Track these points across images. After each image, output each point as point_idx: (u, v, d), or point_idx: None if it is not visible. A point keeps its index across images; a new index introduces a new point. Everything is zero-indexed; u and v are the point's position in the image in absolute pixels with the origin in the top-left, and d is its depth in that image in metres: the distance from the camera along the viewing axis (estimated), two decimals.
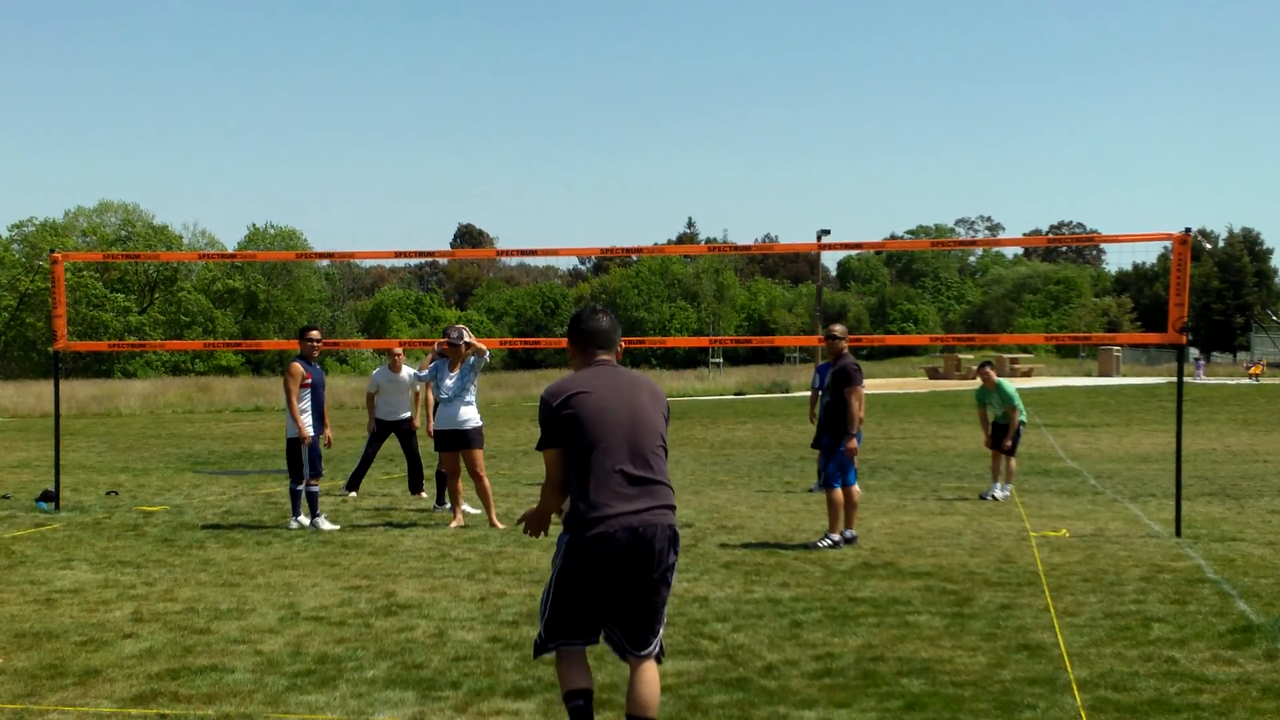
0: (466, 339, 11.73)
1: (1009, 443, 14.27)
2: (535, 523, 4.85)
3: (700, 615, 7.65)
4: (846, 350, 10.89)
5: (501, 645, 6.82)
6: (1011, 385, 14.61)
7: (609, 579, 4.57)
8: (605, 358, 4.84)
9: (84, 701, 5.74)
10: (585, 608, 4.64)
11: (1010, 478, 14.34)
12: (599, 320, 4.87)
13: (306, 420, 11.58)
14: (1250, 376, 62.06)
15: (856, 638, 7.03)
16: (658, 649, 4.73)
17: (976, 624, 7.39)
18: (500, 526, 11.42)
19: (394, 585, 8.64)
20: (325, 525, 11.52)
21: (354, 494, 14.36)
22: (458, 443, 11.67)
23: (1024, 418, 14.55)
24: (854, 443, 10.61)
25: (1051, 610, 7.78)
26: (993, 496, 14.12)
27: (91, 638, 6.98)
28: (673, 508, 4.70)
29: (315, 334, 11.83)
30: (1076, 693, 5.89)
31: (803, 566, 9.48)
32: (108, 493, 14.73)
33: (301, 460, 11.58)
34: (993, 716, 5.53)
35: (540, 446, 4.69)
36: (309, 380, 11.64)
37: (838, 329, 10.95)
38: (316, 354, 11.81)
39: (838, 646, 6.81)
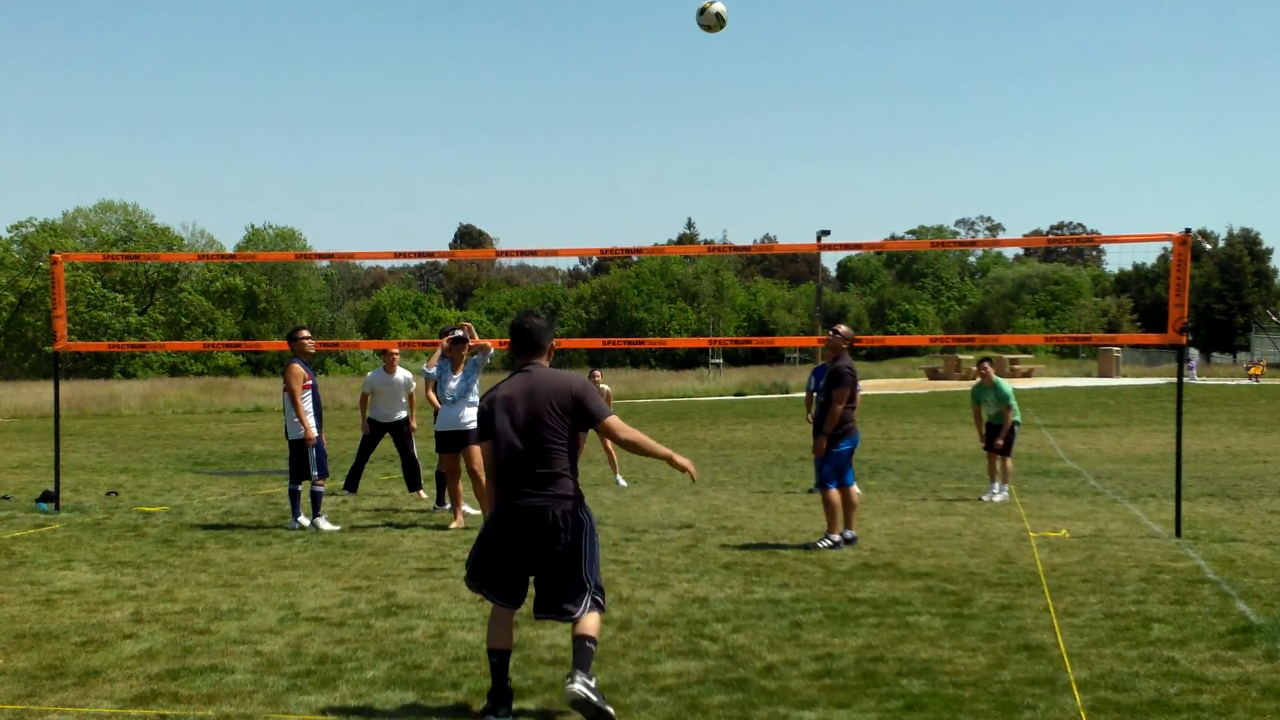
0: (474, 339, 11.76)
1: (1001, 442, 14.26)
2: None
3: (700, 615, 7.65)
4: (845, 351, 10.82)
5: None
6: (1009, 385, 14.61)
7: (516, 548, 5.50)
8: (536, 361, 5.67)
9: (84, 702, 5.74)
10: (500, 568, 5.54)
11: (1008, 479, 14.32)
12: (525, 326, 5.69)
13: (311, 421, 11.60)
14: (1250, 377, 62.06)
15: (856, 638, 7.03)
16: (591, 604, 5.53)
17: (976, 624, 7.40)
18: None
19: (394, 586, 8.64)
20: (326, 526, 11.51)
21: (351, 494, 14.36)
22: (459, 443, 11.67)
23: (1019, 419, 14.53)
24: (823, 442, 10.52)
25: (1051, 611, 7.79)
26: (990, 498, 14.11)
27: (91, 638, 6.98)
28: (567, 495, 5.50)
29: (306, 333, 11.86)
30: (1076, 693, 5.89)
31: (803, 567, 9.49)
32: (108, 493, 14.73)
33: (308, 461, 11.58)
34: (993, 717, 5.54)
35: (477, 439, 5.87)
36: (309, 381, 11.65)
37: (841, 329, 10.89)
38: (311, 354, 11.82)
39: (838, 647, 6.82)
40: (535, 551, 5.49)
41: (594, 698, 5.25)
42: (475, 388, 11.70)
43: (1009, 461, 14.36)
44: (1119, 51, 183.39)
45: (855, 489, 10.75)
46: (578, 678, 5.29)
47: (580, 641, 5.44)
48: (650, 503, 13.90)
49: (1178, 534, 11.10)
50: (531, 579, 5.60)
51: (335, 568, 9.41)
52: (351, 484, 14.39)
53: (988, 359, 14.80)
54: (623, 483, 15.94)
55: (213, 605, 7.93)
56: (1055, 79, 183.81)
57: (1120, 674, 6.24)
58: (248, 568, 9.39)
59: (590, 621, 5.49)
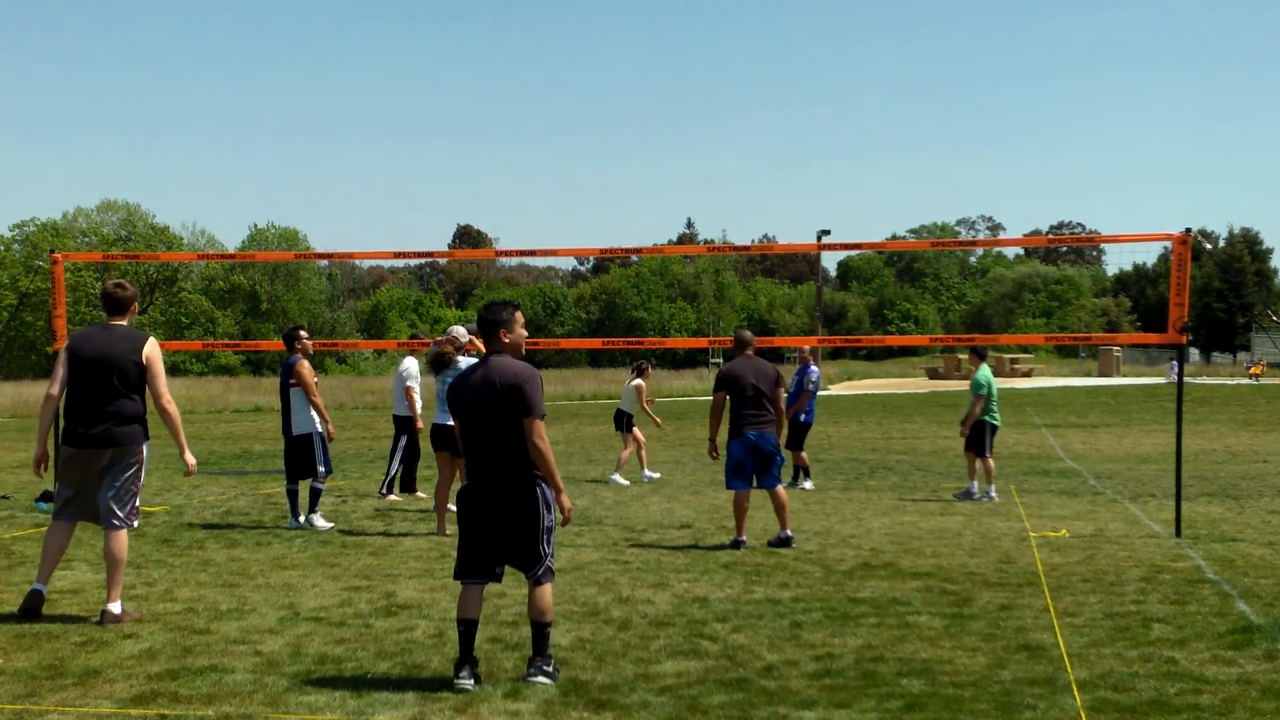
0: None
1: (964, 430, 14.31)
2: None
3: (700, 615, 7.65)
4: (744, 353, 10.74)
5: (501, 645, 6.83)
6: (986, 378, 14.37)
7: (481, 525, 6.03)
8: (498, 347, 6.15)
9: (84, 701, 5.73)
10: (475, 548, 6.07)
11: (989, 478, 14.26)
12: (487, 314, 6.17)
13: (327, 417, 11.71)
14: (1250, 376, 62.07)
15: (856, 638, 7.03)
16: (541, 573, 6.08)
17: (976, 624, 7.40)
18: None
19: (394, 585, 8.64)
20: (320, 524, 11.48)
21: (405, 495, 14.22)
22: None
23: (991, 419, 14.31)
24: (712, 450, 10.77)
25: (1051, 610, 7.79)
26: (989, 497, 14.10)
27: (91, 638, 6.97)
28: (520, 474, 5.98)
29: (305, 333, 11.96)
30: (1076, 693, 5.89)
31: (803, 567, 9.49)
32: None
33: (313, 458, 11.56)
34: (993, 716, 5.53)
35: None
36: (315, 378, 11.69)
37: (745, 334, 10.94)
38: (310, 354, 11.85)
39: (838, 647, 6.82)
40: (496, 526, 6.02)
41: (552, 684, 5.96)
42: None
43: (987, 461, 14.25)
44: (1119, 51, 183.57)
45: (779, 491, 10.54)
46: (535, 664, 6.05)
47: (535, 627, 6.10)
48: (650, 503, 13.90)
49: (1178, 534, 11.10)
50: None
51: (335, 568, 9.41)
52: (408, 485, 14.26)
53: (974, 349, 14.70)
54: (652, 475, 16.61)
55: (213, 605, 7.93)
56: (1055, 79, 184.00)
57: (1120, 674, 6.24)
58: (248, 568, 9.39)
59: (542, 601, 6.07)
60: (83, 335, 7.51)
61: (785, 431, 10.75)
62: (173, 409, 7.46)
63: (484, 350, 6.27)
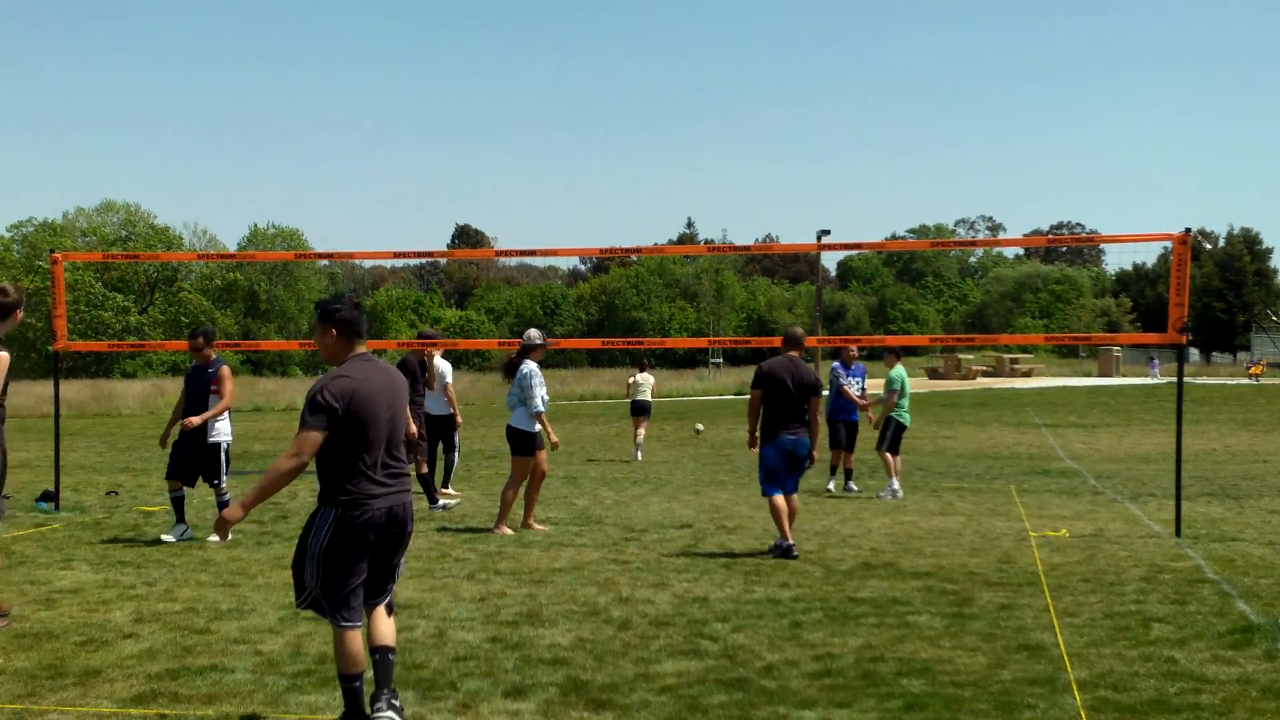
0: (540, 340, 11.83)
1: (875, 423, 14.86)
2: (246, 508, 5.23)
3: (700, 615, 7.65)
4: (789, 353, 10.27)
5: (501, 645, 6.83)
6: (899, 376, 14.73)
7: (373, 547, 5.22)
8: (364, 349, 5.37)
9: (84, 701, 5.73)
10: (356, 576, 5.18)
11: (891, 473, 14.46)
12: (355, 313, 5.34)
13: (175, 429, 11.17)
14: (1250, 376, 62.07)
15: (856, 638, 7.03)
16: (392, 597, 5.44)
17: (976, 624, 7.40)
18: (539, 528, 11.41)
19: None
20: (165, 537, 10.81)
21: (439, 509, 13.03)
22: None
23: (901, 418, 14.59)
24: (751, 443, 10.44)
25: (1051, 610, 7.79)
26: (891, 493, 14.26)
27: (91, 638, 6.97)
28: (410, 488, 5.40)
29: (197, 340, 11.12)
30: (1076, 693, 5.89)
31: (803, 566, 9.49)
32: (108, 493, 14.72)
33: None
34: (993, 716, 5.53)
35: (308, 426, 5.07)
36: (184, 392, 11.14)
37: (795, 331, 10.46)
38: (204, 356, 11.02)
39: (838, 646, 6.82)
40: (387, 548, 5.29)
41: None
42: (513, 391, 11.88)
43: (884, 454, 14.57)
44: (1118, 51, 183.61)
45: (793, 498, 10.26)
46: (384, 697, 5.17)
47: (384, 653, 5.27)
48: (650, 503, 13.90)
49: (1178, 534, 11.10)
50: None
51: None
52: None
53: (891, 349, 15.21)
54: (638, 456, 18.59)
55: (213, 605, 7.93)
56: (1055, 79, 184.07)
57: (1120, 674, 6.24)
58: (248, 567, 9.39)
59: (390, 626, 5.36)
60: None
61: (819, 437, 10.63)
62: None
63: (358, 350, 5.39)
